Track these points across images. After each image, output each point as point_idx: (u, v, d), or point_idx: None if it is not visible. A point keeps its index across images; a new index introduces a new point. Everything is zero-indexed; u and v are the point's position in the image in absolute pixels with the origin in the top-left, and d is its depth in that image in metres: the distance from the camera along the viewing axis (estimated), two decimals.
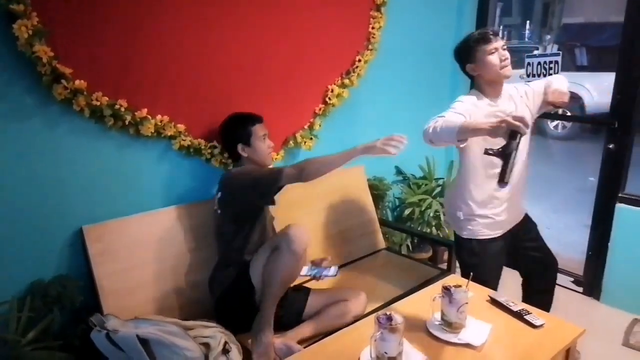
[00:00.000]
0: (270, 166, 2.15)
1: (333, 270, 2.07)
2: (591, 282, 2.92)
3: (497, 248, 2.07)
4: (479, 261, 2.06)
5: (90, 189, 1.91)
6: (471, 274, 1.66)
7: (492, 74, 1.91)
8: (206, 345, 1.60)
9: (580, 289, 2.99)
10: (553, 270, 2.24)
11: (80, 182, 1.88)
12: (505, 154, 1.45)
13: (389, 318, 1.37)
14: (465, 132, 1.64)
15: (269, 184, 1.85)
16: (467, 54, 1.94)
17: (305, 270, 2.06)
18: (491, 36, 1.90)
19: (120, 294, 1.89)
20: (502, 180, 1.45)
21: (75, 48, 1.75)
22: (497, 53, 1.89)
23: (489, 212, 2.01)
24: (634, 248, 2.71)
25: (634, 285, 2.73)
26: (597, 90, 6.93)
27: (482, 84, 1.97)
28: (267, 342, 1.78)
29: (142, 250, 1.98)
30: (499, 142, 1.50)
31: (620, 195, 2.74)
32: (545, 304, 2.14)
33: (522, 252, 2.21)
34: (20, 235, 1.78)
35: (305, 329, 1.91)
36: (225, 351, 1.63)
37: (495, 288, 2.07)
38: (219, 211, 1.99)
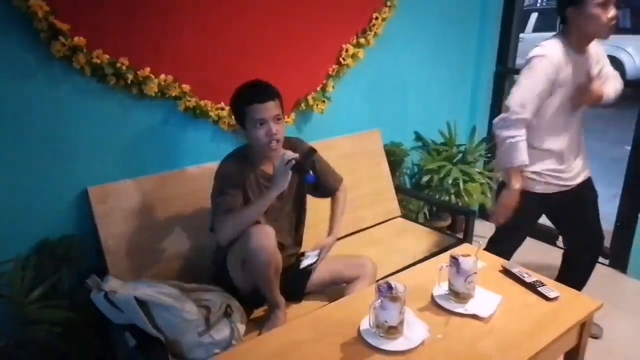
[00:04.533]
0: (274, 158, 1.77)
1: (312, 255, 1.88)
2: (618, 254, 2.79)
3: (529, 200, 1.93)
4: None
5: (96, 149, 1.89)
6: (480, 243, 1.58)
7: (590, 30, 1.75)
8: (207, 309, 1.59)
9: (607, 261, 2.86)
10: (595, 250, 2.10)
11: (86, 142, 1.86)
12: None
13: (390, 287, 1.31)
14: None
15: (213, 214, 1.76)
16: None
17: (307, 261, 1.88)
18: None
19: (126, 255, 1.88)
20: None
21: (74, 2, 1.69)
22: (607, 9, 1.70)
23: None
24: None
25: None
26: None
27: (573, 34, 1.80)
28: (279, 323, 1.72)
29: (148, 212, 1.96)
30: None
31: None
32: (578, 280, 2.03)
33: (566, 220, 2.09)
34: (26, 194, 1.77)
35: None
36: (227, 314, 1.61)
37: (515, 243, 2.02)
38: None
